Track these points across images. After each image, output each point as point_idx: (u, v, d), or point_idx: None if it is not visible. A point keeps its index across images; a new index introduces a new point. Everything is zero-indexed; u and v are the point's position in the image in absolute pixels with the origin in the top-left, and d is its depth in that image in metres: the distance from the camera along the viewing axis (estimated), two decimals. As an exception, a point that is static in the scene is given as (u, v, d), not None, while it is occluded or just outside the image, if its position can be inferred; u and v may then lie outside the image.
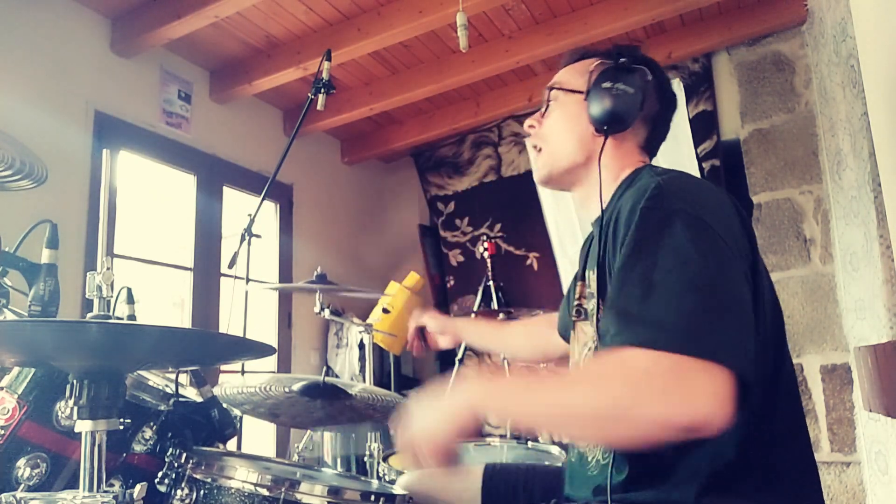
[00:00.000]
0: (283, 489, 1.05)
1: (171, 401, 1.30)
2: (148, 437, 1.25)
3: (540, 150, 1.15)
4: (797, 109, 3.24)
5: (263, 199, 2.32)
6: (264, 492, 1.06)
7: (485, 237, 3.65)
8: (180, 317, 3.38)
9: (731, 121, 3.45)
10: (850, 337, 2.80)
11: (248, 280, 2.40)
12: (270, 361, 3.64)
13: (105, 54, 2.98)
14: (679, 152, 3.34)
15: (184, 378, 1.39)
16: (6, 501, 0.89)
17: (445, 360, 4.08)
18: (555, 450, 1.85)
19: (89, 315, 0.98)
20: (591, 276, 1.01)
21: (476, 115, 4.01)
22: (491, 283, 3.49)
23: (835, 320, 2.99)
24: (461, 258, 4.37)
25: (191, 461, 1.12)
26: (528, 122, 1.17)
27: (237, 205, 3.60)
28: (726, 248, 0.81)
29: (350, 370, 3.79)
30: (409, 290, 2.93)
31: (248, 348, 1.09)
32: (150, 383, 1.33)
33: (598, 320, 0.97)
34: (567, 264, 3.68)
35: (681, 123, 3.41)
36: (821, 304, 3.04)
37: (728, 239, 0.82)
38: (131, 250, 3.04)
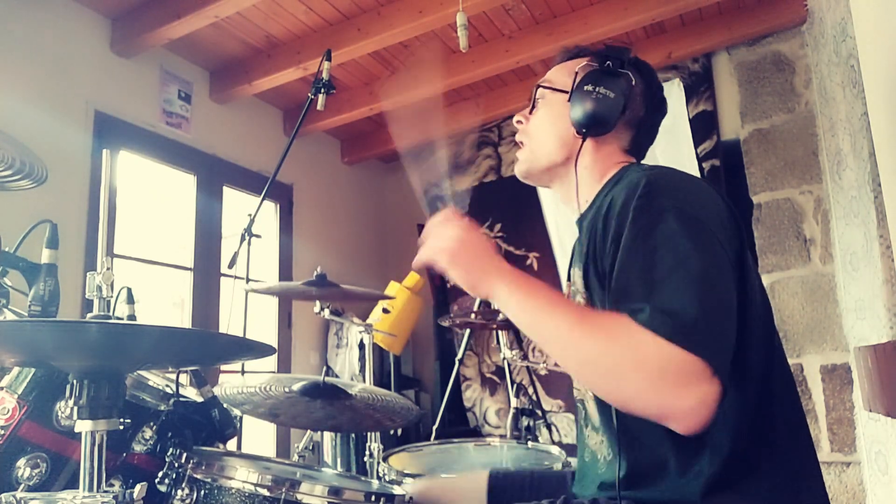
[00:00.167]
0: (283, 489, 1.05)
1: (172, 401, 1.30)
2: (148, 437, 1.24)
3: (523, 145, 1.16)
4: (797, 109, 3.24)
5: (263, 199, 2.32)
6: (265, 492, 1.06)
7: (485, 237, 3.65)
8: (180, 317, 3.38)
9: (731, 121, 3.45)
10: (850, 337, 2.80)
11: (248, 280, 2.40)
12: (270, 361, 3.64)
13: (105, 54, 2.99)
14: (679, 152, 3.34)
15: (184, 378, 1.39)
16: (6, 501, 0.89)
17: (446, 361, 4.08)
18: (555, 450, 1.85)
19: (89, 315, 0.99)
20: (576, 274, 1.02)
21: (476, 115, 4.01)
22: (491, 283, 3.48)
23: (835, 320, 2.99)
24: (461, 258, 4.36)
25: (191, 461, 1.11)
26: (516, 116, 1.20)
27: (237, 205, 3.61)
28: (718, 244, 0.83)
29: (350, 370, 3.79)
30: (409, 290, 2.93)
31: (248, 348, 1.08)
32: (150, 383, 1.32)
33: None
34: (567, 264, 3.67)
35: (681, 123, 3.41)
36: (821, 304, 3.04)
37: (720, 234, 0.84)
38: (131, 250, 3.04)
